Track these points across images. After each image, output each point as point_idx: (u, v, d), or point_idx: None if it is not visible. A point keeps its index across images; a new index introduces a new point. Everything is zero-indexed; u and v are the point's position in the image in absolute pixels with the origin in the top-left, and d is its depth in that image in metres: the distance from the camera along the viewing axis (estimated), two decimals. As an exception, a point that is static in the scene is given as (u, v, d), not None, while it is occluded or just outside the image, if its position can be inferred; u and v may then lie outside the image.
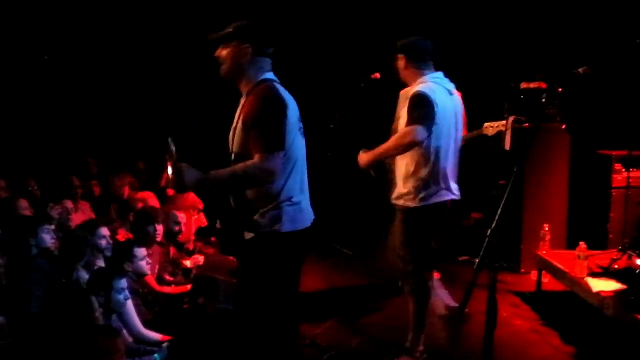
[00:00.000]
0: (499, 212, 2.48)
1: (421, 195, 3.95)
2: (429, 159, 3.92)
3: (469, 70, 6.93)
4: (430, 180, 3.94)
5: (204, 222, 6.07)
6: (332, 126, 6.83)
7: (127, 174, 6.69)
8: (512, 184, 2.61)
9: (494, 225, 2.45)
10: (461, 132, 4.13)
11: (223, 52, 3.08)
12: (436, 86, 3.93)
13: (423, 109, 3.80)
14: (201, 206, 6.03)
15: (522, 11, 6.83)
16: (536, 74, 4.92)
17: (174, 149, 2.81)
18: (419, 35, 4.03)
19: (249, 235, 3.03)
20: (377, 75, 5.94)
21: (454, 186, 4.08)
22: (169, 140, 2.83)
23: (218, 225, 3.22)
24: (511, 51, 6.49)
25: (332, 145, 6.90)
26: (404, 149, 3.88)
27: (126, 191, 6.38)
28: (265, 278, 3.04)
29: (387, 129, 5.46)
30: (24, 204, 5.08)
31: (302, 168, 3.13)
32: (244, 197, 3.04)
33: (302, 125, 3.13)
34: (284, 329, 3.16)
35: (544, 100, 4.00)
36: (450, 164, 4.01)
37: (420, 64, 4.00)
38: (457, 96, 4.08)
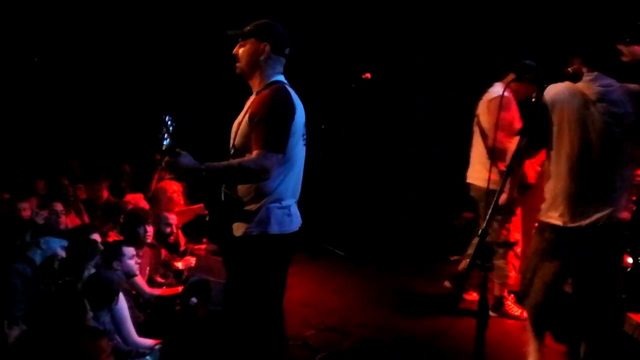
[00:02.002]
0: (490, 211, 2.48)
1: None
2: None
3: (460, 70, 6.96)
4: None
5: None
6: (323, 126, 6.83)
7: (105, 177, 6.68)
8: (504, 183, 2.62)
9: (484, 225, 2.45)
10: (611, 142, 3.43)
11: (240, 50, 3.12)
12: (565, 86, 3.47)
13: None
14: (180, 190, 6.05)
15: (510, 12, 6.85)
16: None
17: (172, 128, 2.78)
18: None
19: (237, 231, 3.03)
20: (368, 75, 5.95)
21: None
22: (167, 117, 2.80)
23: (206, 217, 3.19)
24: (500, 51, 6.51)
25: (323, 146, 6.90)
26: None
27: (105, 194, 6.37)
28: (251, 279, 3.04)
29: (377, 128, 5.48)
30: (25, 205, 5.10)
31: (298, 174, 3.14)
32: (236, 191, 3.05)
33: (305, 132, 3.14)
34: (270, 330, 3.16)
35: (533, 100, 4.00)
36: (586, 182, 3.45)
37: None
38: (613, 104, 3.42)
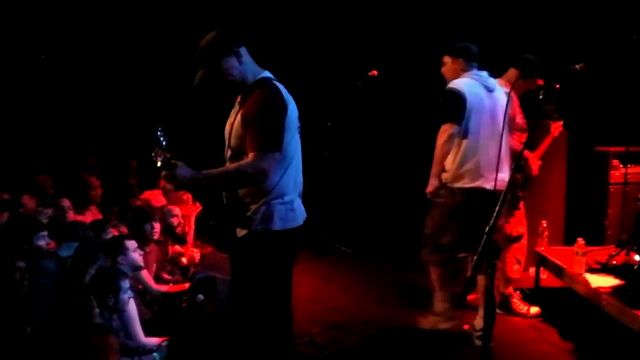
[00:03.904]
0: (497, 209, 2.48)
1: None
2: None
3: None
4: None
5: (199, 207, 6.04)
6: (329, 124, 6.83)
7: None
8: (510, 181, 2.61)
9: (491, 222, 2.44)
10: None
11: (224, 79, 3.06)
12: (471, 81, 4.35)
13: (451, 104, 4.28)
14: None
15: (518, 8, 6.83)
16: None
17: (164, 142, 2.78)
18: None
19: (240, 233, 3.04)
20: (375, 72, 5.93)
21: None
22: (158, 132, 2.80)
23: (211, 223, 3.20)
24: (508, 48, 6.49)
25: (329, 143, 6.90)
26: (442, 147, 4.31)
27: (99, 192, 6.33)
28: (257, 276, 3.04)
29: (383, 126, 5.47)
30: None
31: (297, 167, 3.13)
32: (236, 192, 3.05)
33: (299, 124, 3.13)
34: (278, 327, 3.16)
35: (541, 97, 4.04)
36: (487, 154, 4.29)
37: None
38: (500, 93, 4.44)
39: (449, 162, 4.35)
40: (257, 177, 2.89)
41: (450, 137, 4.27)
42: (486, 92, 4.35)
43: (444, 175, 4.37)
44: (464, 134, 4.28)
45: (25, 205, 5.08)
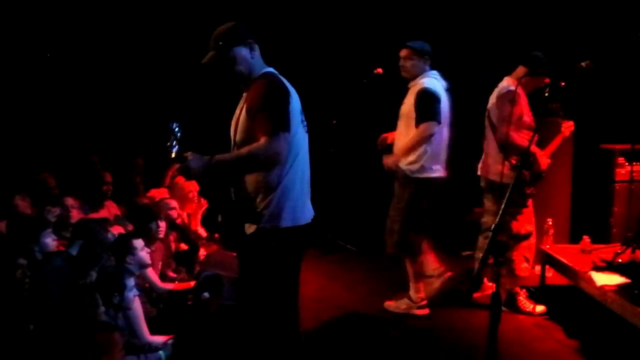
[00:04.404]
0: (502, 207, 2.48)
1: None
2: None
3: (474, 67, 6.94)
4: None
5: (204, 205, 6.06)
6: (334, 122, 6.82)
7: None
8: (515, 179, 2.61)
9: (497, 221, 2.44)
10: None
11: (232, 69, 3.09)
12: (436, 81, 4.75)
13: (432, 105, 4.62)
14: (197, 189, 6.05)
15: (523, 5, 6.82)
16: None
17: (179, 134, 2.82)
18: (416, 31, 4.23)
19: (249, 229, 3.04)
20: (380, 70, 5.92)
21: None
22: (173, 125, 2.84)
23: (219, 219, 3.22)
24: (513, 46, 6.49)
25: (334, 141, 6.90)
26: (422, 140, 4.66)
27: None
28: (265, 273, 3.05)
29: (389, 124, 5.47)
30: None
31: (304, 163, 3.14)
32: (244, 188, 3.04)
33: (304, 118, 3.15)
34: (286, 324, 3.17)
35: (546, 95, 4.05)
36: (445, 148, 4.83)
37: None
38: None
39: (418, 155, 4.73)
40: (270, 159, 2.89)
41: (432, 135, 4.65)
42: (444, 92, 4.80)
43: (411, 167, 4.75)
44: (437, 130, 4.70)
45: (18, 206, 5.05)
